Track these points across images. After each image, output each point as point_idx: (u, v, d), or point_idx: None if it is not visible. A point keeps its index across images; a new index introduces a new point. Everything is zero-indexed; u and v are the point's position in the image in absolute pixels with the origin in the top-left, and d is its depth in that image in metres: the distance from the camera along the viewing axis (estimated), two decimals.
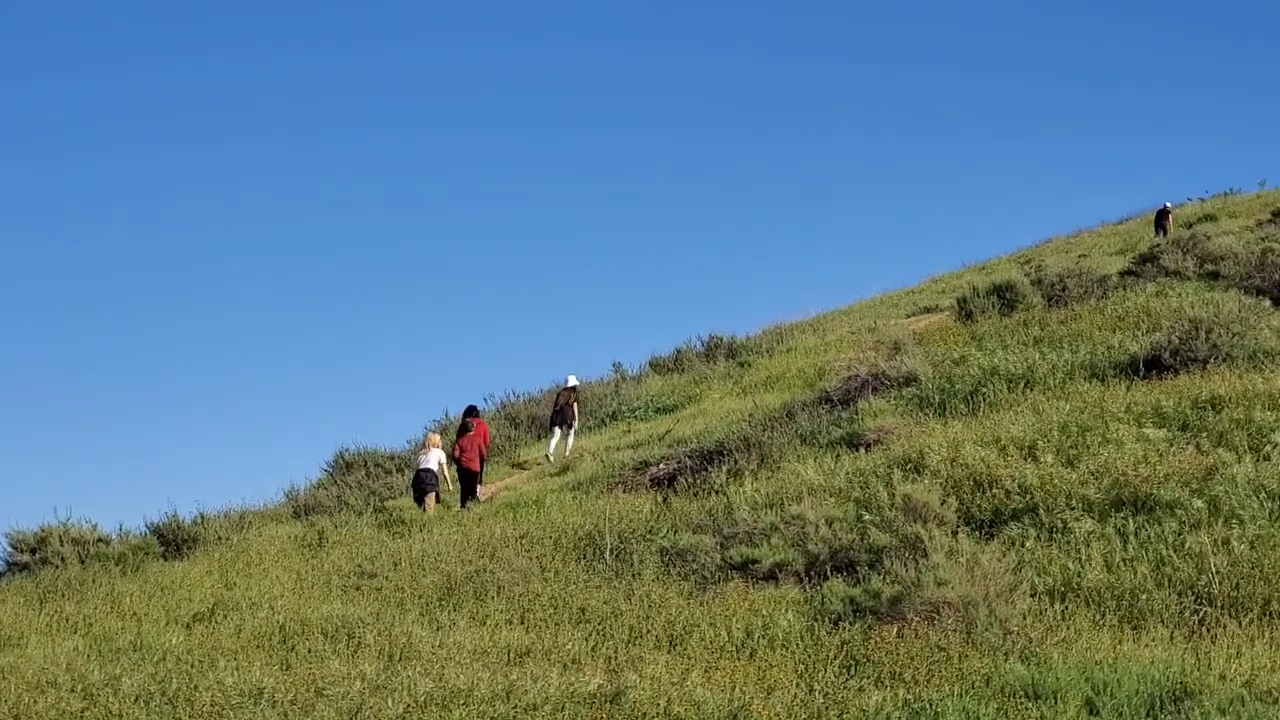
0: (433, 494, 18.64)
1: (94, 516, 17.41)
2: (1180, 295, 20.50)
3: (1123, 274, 24.49)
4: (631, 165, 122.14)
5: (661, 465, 17.49)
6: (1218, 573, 9.67)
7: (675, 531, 13.16)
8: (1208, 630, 9.14)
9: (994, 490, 12.14)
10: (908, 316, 30.03)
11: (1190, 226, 31.92)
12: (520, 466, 22.78)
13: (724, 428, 18.96)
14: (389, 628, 10.64)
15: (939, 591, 9.71)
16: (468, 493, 19.06)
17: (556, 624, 10.72)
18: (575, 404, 23.13)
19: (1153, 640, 9.07)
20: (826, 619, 10.11)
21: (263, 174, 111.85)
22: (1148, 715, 7.83)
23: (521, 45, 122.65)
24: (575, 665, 9.37)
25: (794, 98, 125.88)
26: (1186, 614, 9.44)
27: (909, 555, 10.41)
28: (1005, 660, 8.87)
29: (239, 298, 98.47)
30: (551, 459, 21.98)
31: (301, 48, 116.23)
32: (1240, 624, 9.12)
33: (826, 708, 8.27)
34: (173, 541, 17.32)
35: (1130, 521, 10.94)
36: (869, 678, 8.78)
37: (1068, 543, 10.84)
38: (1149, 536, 10.61)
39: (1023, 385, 16.03)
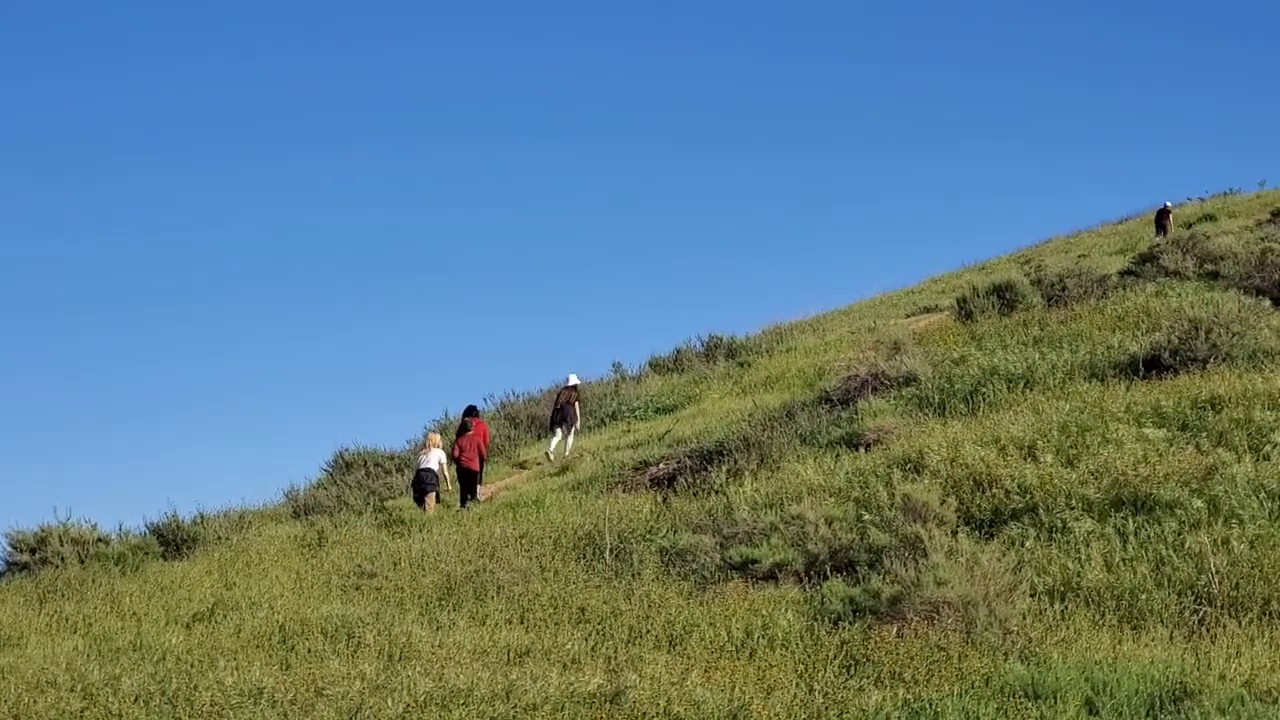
0: (433, 494, 18.64)
1: (94, 516, 17.46)
2: (1180, 295, 20.50)
3: (1122, 274, 24.49)
4: (631, 165, 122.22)
5: (661, 465, 17.49)
6: (1217, 572, 9.68)
7: (675, 531, 13.16)
8: (1207, 630, 9.14)
9: (994, 490, 12.14)
10: (907, 316, 30.03)
11: (1190, 226, 31.92)
12: (522, 466, 22.76)
13: (724, 428, 18.96)
14: (389, 628, 10.64)
15: (939, 591, 9.71)
16: (467, 492, 19.07)
17: (556, 624, 10.72)
18: (577, 403, 23.11)
19: (1152, 640, 9.07)
20: (826, 619, 10.11)
21: (263, 174, 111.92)
22: (1147, 715, 7.84)
23: (521, 45, 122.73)
24: (575, 665, 9.37)
25: (794, 98, 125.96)
26: (1186, 614, 9.45)
27: (909, 555, 10.41)
28: (1005, 660, 8.87)
29: (239, 298, 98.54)
30: (551, 458, 21.97)
31: (301, 48, 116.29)
32: (1240, 624, 9.12)
33: (826, 707, 8.27)
34: (172, 541, 17.33)
35: (1130, 521, 10.94)
36: (869, 677, 8.78)
37: (1067, 542, 10.84)
38: (1149, 536, 10.61)
39: (1022, 385, 16.03)
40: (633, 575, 11.99)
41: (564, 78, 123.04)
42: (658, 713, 8.24)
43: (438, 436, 20.11)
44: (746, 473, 15.14)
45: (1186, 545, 10.26)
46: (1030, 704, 8.01)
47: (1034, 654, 8.95)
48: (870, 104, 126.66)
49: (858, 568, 11.05)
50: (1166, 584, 9.84)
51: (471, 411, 20.31)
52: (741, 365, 27.74)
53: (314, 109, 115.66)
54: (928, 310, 30.01)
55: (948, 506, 11.61)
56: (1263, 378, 14.12)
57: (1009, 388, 16.02)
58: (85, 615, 12.46)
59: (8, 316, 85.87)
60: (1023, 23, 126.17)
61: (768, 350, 28.98)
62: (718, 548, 12.20)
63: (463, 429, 19.60)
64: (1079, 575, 10.19)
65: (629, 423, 24.56)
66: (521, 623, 10.90)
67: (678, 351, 31.13)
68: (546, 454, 22.38)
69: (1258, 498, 10.85)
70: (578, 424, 23.42)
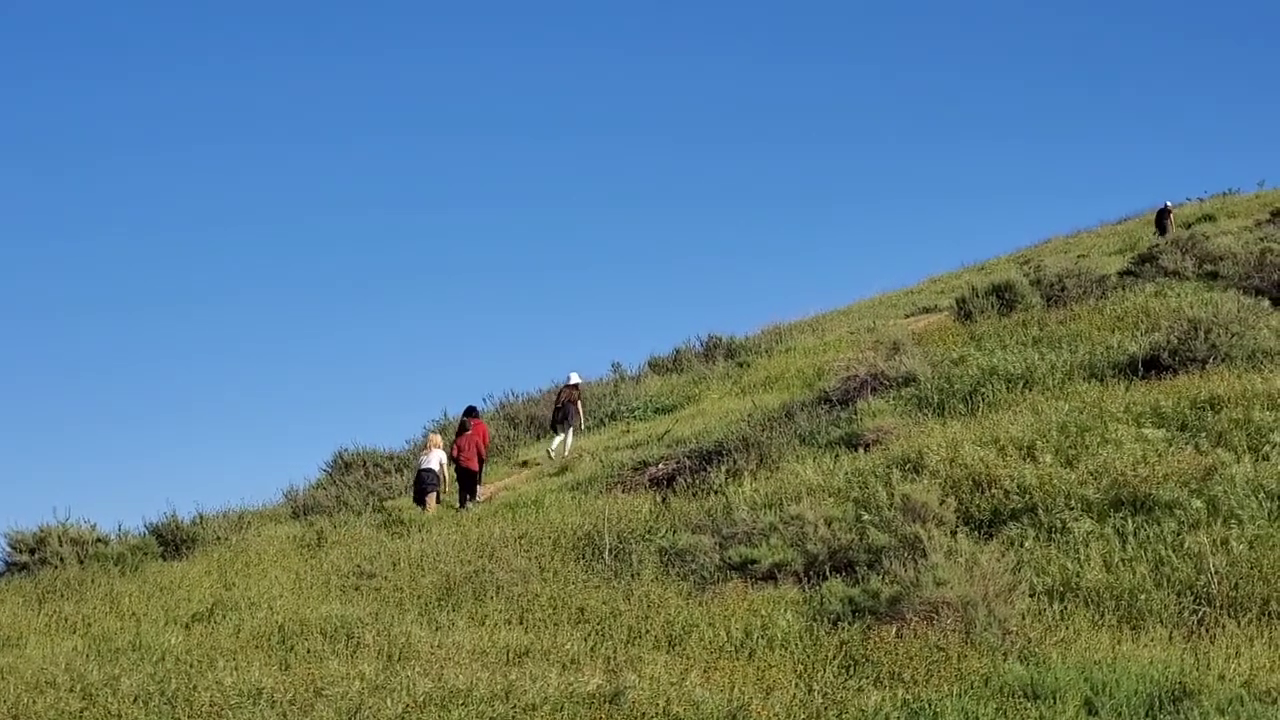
0: (433, 494, 18.64)
1: (93, 517, 17.46)
2: (1179, 295, 20.50)
3: (1122, 274, 24.49)
4: (631, 165, 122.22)
5: (660, 465, 17.49)
6: (1216, 573, 9.68)
7: (674, 532, 13.16)
8: (1206, 630, 9.14)
9: (993, 490, 12.14)
10: (906, 317, 30.03)
11: (1189, 226, 31.94)
12: (525, 465, 22.74)
13: (723, 428, 18.96)
14: (388, 628, 10.64)
15: (938, 591, 9.71)
16: (466, 493, 19.07)
17: (555, 624, 10.72)
18: (579, 402, 23.09)
19: (1152, 640, 9.07)
20: (825, 619, 10.11)
21: (263, 174, 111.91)
22: (1147, 715, 7.84)
23: (521, 45, 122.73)
24: (574, 665, 9.37)
25: (794, 98, 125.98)
26: (1185, 614, 9.45)
27: (908, 555, 10.41)
28: (1004, 660, 8.87)
29: (239, 298, 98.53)
30: (552, 457, 21.96)
31: (301, 48, 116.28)
32: (1239, 624, 9.12)
33: (825, 708, 8.27)
34: (172, 542, 17.32)
35: (1129, 521, 10.94)
36: (868, 678, 8.78)
37: (1066, 543, 10.84)
38: (1148, 536, 10.61)
39: (1021, 385, 16.03)
40: (632, 575, 11.99)
41: (564, 78, 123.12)
42: (657, 713, 8.24)
43: (438, 437, 20.12)
44: (746, 473, 15.14)
45: (1186, 545, 10.26)
46: (1029, 704, 8.01)
47: (1033, 654, 8.95)
48: (870, 104, 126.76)
49: (857, 568, 11.05)
50: (1166, 584, 9.84)
51: (471, 412, 20.31)
52: (741, 365, 27.74)
53: (314, 109, 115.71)
54: (927, 310, 30.01)
55: (947, 507, 11.62)
56: (1262, 378, 14.12)
57: (1008, 388, 16.02)
58: (84, 615, 12.45)
59: (8, 316, 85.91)
60: (1023, 23, 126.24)
61: (767, 350, 28.98)
62: (717, 548, 12.20)
63: (461, 429, 19.60)
64: (1078, 575, 10.19)
65: (628, 423, 24.56)
66: (521, 623, 10.90)
67: (677, 352, 31.14)
68: (548, 453, 22.37)
69: (1257, 498, 10.85)
70: (581, 423, 23.41)
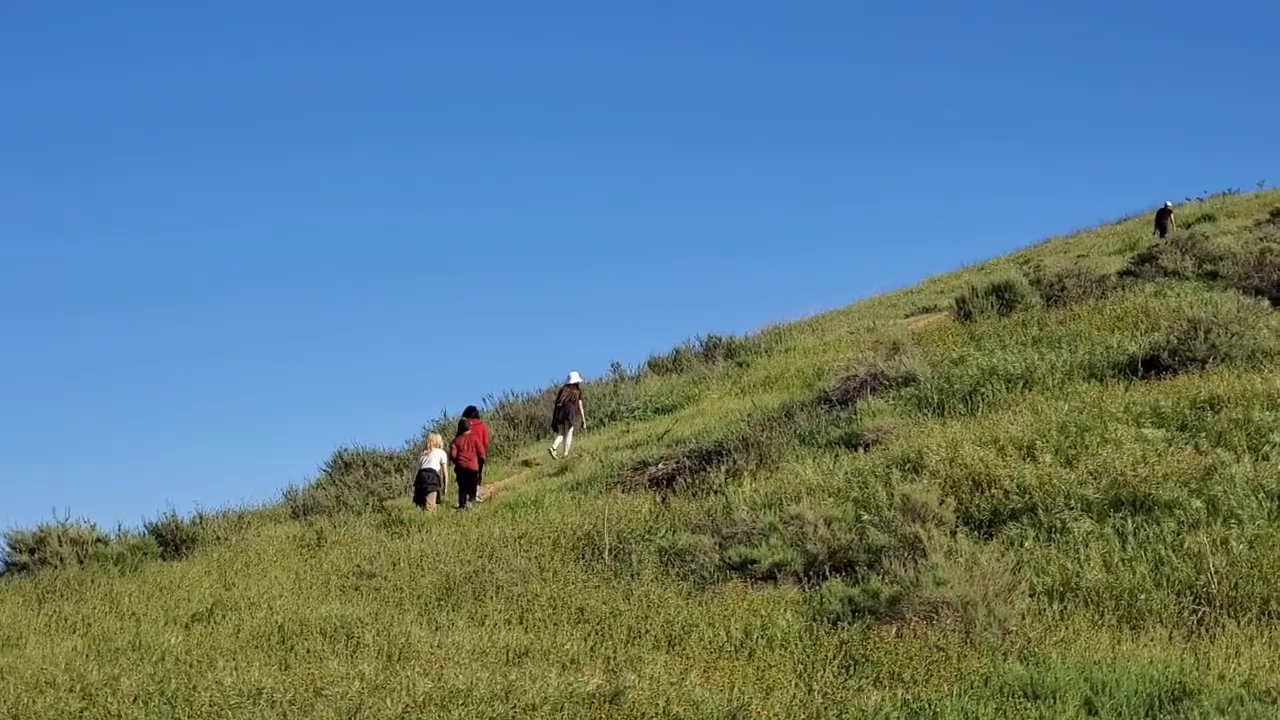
0: (434, 494, 18.64)
1: (92, 517, 17.45)
2: (1179, 295, 20.50)
3: (1121, 274, 24.50)
4: (631, 165, 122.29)
5: (660, 465, 17.48)
6: (1216, 573, 9.68)
7: (674, 531, 13.15)
8: (1206, 630, 9.14)
9: (992, 490, 12.14)
10: (906, 317, 30.03)
11: (1189, 226, 31.96)
12: (527, 464, 22.72)
13: (723, 428, 18.96)
14: (387, 628, 10.64)
15: (938, 591, 9.71)
16: (466, 493, 19.07)
17: (555, 624, 10.71)
18: (580, 401, 23.07)
19: (1151, 640, 9.07)
20: (825, 619, 10.11)
21: (263, 174, 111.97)
22: (1146, 715, 7.84)
23: (521, 45, 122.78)
24: (574, 665, 9.37)
25: (794, 98, 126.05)
26: (1185, 614, 9.45)
27: (908, 555, 10.41)
28: (1004, 660, 8.87)
29: (239, 298, 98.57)
30: (554, 456, 21.95)
31: (301, 48, 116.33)
32: (1239, 624, 9.12)
33: (825, 708, 8.27)
34: (171, 542, 17.31)
35: (1129, 521, 10.94)
36: (868, 678, 8.78)
37: (1066, 543, 10.84)
38: (1148, 536, 10.61)
39: (1021, 385, 16.03)
40: (632, 575, 11.99)
41: (564, 78, 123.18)
42: (657, 713, 8.24)
43: (438, 437, 20.11)
44: (745, 473, 15.13)
45: (1185, 545, 10.26)
46: (1029, 704, 8.01)
47: (1033, 654, 8.95)
48: (870, 104, 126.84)
49: (857, 568, 11.05)
50: (1165, 584, 9.84)
51: (471, 412, 20.31)
52: (740, 365, 27.74)
53: (314, 109, 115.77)
54: (927, 310, 30.02)
55: (946, 507, 11.62)
56: (1261, 378, 14.12)
57: (1008, 388, 16.02)
58: (84, 615, 12.45)
59: (8, 316, 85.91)
60: (1023, 23, 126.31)
61: (767, 350, 28.99)
62: (716, 548, 12.19)
63: (461, 429, 19.61)
64: (1078, 575, 10.19)
65: (628, 423, 24.55)
66: (520, 623, 10.90)
67: (677, 352, 31.15)
68: (550, 452, 22.36)
69: (1256, 498, 10.85)
70: (583, 422, 23.39)
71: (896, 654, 9.04)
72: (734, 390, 24.80)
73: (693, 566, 12.00)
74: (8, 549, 16.76)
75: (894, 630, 9.56)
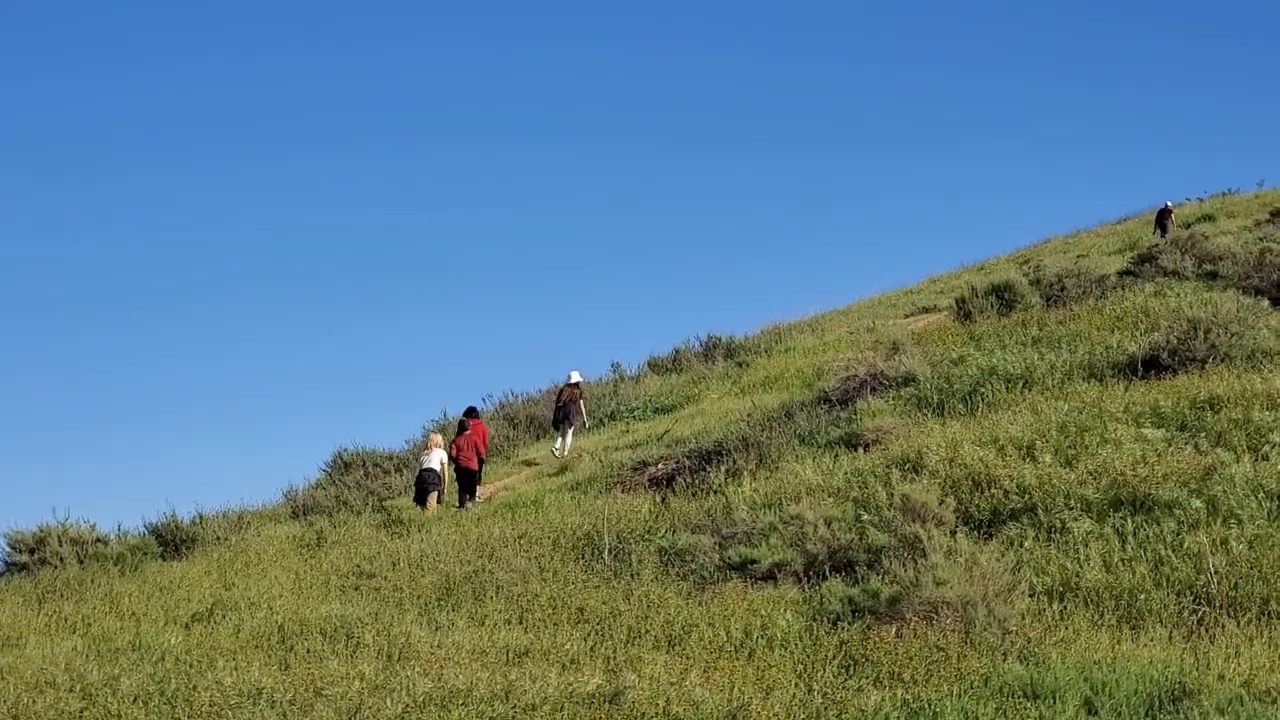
0: (435, 493, 18.64)
1: (92, 517, 17.45)
2: (1179, 295, 20.50)
3: (1121, 274, 24.50)
4: (631, 165, 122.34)
5: (660, 465, 17.49)
6: (1216, 573, 9.68)
7: (674, 531, 13.15)
8: (1206, 630, 9.14)
9: (992, 490, 12.14)
10: (906, 317, 30.03)
11: (1189, 226, 31.98)
12: (529, 464, 22.72)
13: (722, 428, 18.96)
14: (387, 628, 10.64)
15: (937, 591, 9.71)
16: (466, 493, 19.07)
17: (555, 624, 10.71)
18: (581, 400, 23.07)
19: (1151, 640, 9.07)
20: (825, 619, 10.11)
21: (263, 174, 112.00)
22: (1146, 715, 7.84)
23: (521, 45, 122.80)
24: (574, 665, 9.37)
25: (794, 98, 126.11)
26: (1185, 614, 9.45)
27: (907, 555, 10.41)
28: (1004, 660, 8.87)
29: (239, 298, 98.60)
30: (556, 455, 21.94)
31: (301, 48, 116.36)
32: (1239, 624, 9.12)
33: (825, 708, 8.27)
34: (171, 542, 17.31)
35: (1129, 521, 10.94)
36: (868, 678, 8.78)
37: (1066, 543, 10.84)
38: (1147, 536, 10.61)
39: (1021, 385, 16.03)
40: (631, 575, 11.99)
41: (564, 78, 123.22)
42: (657, 713, 8.24)
43: (439, 436, 20.11)
44: (745, 473, 15.13)
45: (1185, 545, 10.26)
46: (1029, 704, 8.01)
47: (1033, 654, 8.95)
48: (870, 104, 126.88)
49: (856, 568, 11.05)
50: (1165, 584, 9.84)
51: (471, 412, 20.31)
52: (740, 365, 27.74)
53: (314, 109, 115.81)
54: (926, 310, 30.03)
55: (946, 507, 11.62)
56: (1261, 378, 14.12)
57: (1008, 388, 16.02)
58: (84, 615, 12.45)
59: (8, 316, 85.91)
60: (1023, 23, 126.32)
61: (766, 350, 28.99)
62: (716, 548, 12.19)
63: (461, 429, 19.62)
64: (1078, 575, 10.19)
65: (628, 423, 24.55)
66: (520, 623, 10.90)
67: (676, 352, 31.16)
68: (552, 452, 22.35)
69: (1256, 498, 10.85)
70: (585, 422, 23.38)
71: (896, 654, 9.04)
72: (734, 390, 24.80)
73: (693, 566, 12.00)
74: (8, 549, 16.77)
75: (894, 630, 9.56)
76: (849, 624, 9.86)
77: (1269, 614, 9.24)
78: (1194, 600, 9.58)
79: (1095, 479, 11.74)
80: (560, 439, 22.46)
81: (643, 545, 12.87)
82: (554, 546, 13.44)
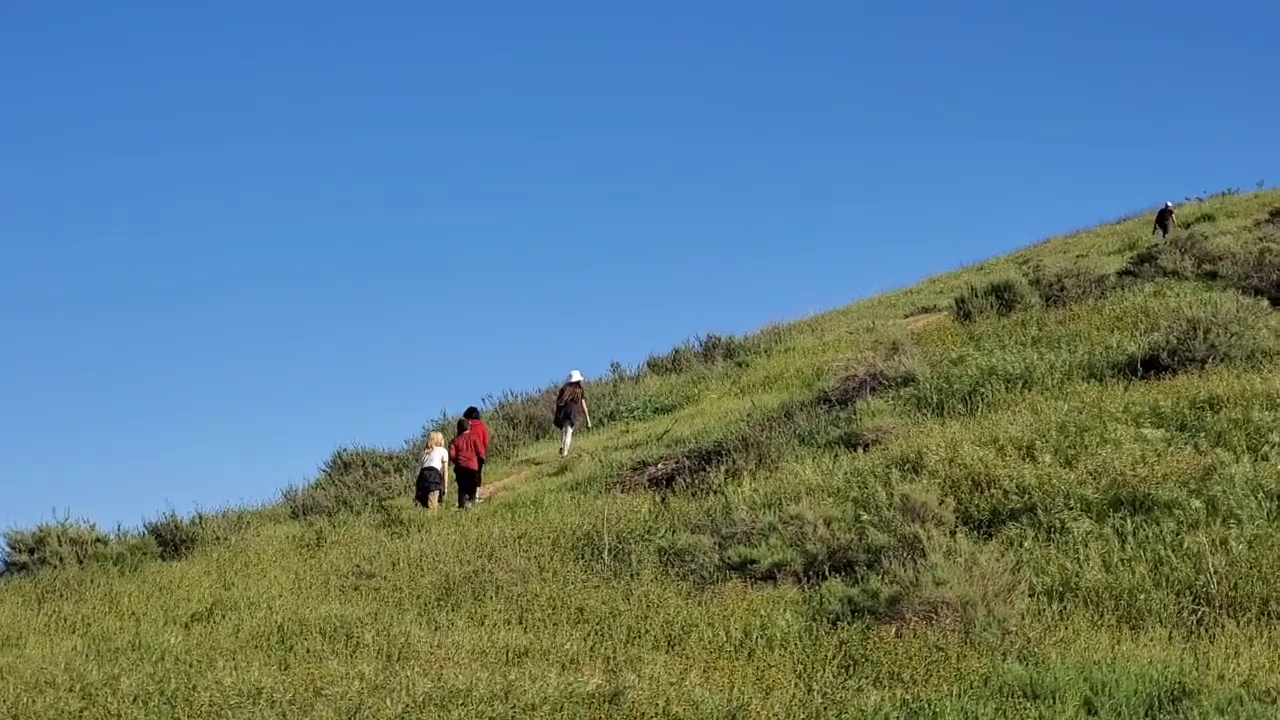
0: (436, 492, 18.64)
1: (92, 517, 17.44)
2: (1178, 295, 20.51)
3: (1121, 274, 24.52)
4: (631, 165, 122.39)
5: (659, 465, 17.49)
6: (1216, 573, 9.68)
7: (673, 531, 13.15)
8: (1206, 630, 9.14)
9: (992, 490, 12.14)
10: (906, 317, 30.04)
11: (1189, 226, 32.00)
12: (531, 464, 22.71)
13: (722, 428, 18.97)
14: (387, 628, 10.64)
15: (937, 591, 9.71)
16: (466, 493, 19.07)
17: (555, 624, 10.71)
18: (583, 400, 23.07)
19: (1151, 640, 9.07)
20: (825, 619, 10.11)
21: (263, 174, 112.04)
22: (1146, 715, 7.84)
23: (521, 45, 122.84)
24: (574, 665, 9.37)
25: (794, 98, 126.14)
26: (1185, 614, 9.45)
27: (907, 555, 10.41)
28: (1003, 660, 8.87)
29: (239, 298, 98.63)
30: (562, 454, 21.93)
31: (301, 48, 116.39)
32: (1238, 624, 9.13)
33: (825, 707, 8.27)
34: (171, 542, 17.31)
35: (1128, 521, 10.94)
36: (867, 678, 8.78)
37: (1066, 543, 10.84)
38: (1147, 536, 10.61)
39: (1021, 385, 16.03)
40: (631, 575, 11.99)
41: (564, 78, 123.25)
42: (656, 713, 8.24)
43: (439, 435, 20.09)
44: (745, 473, 15.13)
45: (1185, 545, 10.26)
46: (1029, 704, 8.01)
47: (1032, 654, 8.95)
48: (870, 104, 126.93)
49: (856, 568, 11.05)
50: (1165, 584, 9.84)
51: (471, 413, 20.31)
52: (740, 365, 27.75)
53: (314, 109, 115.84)
54: (926, 310, 30.03)
55: (946, 507, 11.62)
56: (1261, 378, 14.12)
57: (1007, 388, 16.02)
58: (84, 615, 12.44)
59: (8, 316, 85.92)
60: (1023, 23, 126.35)
61: (766, 350, 29.00)
62: (716, 548, 12.19)
63: (460, 429, 19.62)
64: (1077, 575, 10.19)
65: (627, 423, 24.56)
66: (520, 623, 10.89)
67: (676, 352, 31.16)
68: (560, 451, 22.33)
69: (1256, 498, 10.85)
70: (588, 421, 23.37)
71: (896, 654, 9.04)
72: (733, 390, 24.80)
73: (692, 566, 12.00)
74: (7, 549, 16.76)
75: (894, 630, 9.56)
76: (849, 624, 9.86)
77: (1269, 614, 9.25)
78: (1194, 600, 9.58)
79: (1095, 479, 11.74)
80: (563, 438, 22.46)
81: (642, 545, 12.87)
82: (554, 546, 13.43)
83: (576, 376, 23.36)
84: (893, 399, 17.31)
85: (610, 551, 12.83)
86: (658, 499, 15.19)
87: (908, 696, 8.30)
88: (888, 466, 13.35)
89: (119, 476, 60.53)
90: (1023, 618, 9.62)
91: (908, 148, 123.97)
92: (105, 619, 12.27)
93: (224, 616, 11.83)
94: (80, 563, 15.96)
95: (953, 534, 10.83)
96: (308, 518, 19.20)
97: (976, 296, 22.84)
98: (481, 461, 19.47)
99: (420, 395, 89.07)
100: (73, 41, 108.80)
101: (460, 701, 8.52)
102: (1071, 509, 11.33)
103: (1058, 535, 11.04)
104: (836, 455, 14.91)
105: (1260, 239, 24.80)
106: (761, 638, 9.85)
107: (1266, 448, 11.90)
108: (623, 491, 16.43)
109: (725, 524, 12.68)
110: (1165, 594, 9.70)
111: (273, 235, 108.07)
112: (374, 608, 11.60)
